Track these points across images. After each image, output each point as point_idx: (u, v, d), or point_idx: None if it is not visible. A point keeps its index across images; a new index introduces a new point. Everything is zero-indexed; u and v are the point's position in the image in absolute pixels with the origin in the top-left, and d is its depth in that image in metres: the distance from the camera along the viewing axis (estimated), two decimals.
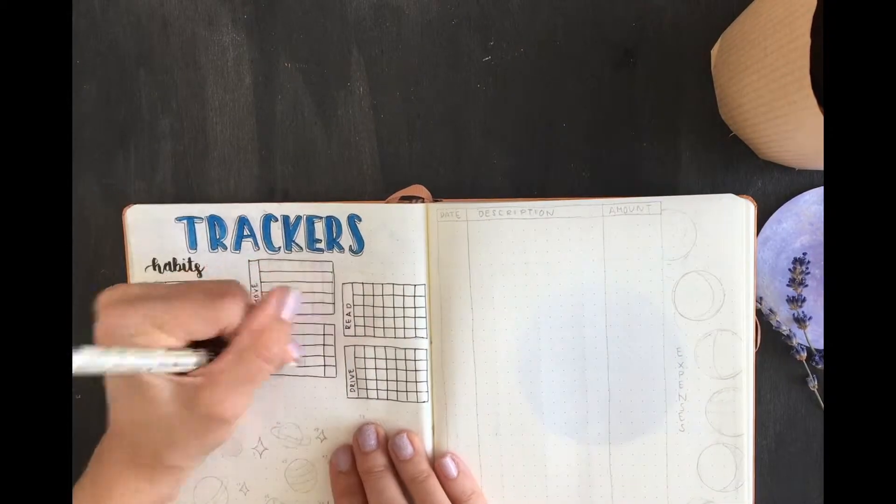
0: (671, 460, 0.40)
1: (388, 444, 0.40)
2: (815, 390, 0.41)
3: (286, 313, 0.37)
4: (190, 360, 0.34)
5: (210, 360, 0.35)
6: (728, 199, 0.38)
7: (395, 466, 0.40)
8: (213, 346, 0.36)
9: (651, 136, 0.41)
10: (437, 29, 0.42)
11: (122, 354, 0.32)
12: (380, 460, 0.40)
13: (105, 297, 0.34)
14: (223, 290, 0.35)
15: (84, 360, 0.30)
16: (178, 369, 0.34)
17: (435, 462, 0.40)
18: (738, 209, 0.38)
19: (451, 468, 0.40)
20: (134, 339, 0.33)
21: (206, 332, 0.35)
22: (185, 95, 0.43)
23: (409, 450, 0.40)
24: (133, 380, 0.33)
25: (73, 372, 0.29)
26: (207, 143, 0.43)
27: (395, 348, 0.40)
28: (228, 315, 0.35)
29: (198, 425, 0.34)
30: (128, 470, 0.35)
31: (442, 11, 0.42)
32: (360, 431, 0.41)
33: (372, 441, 0.40)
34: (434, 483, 0.39)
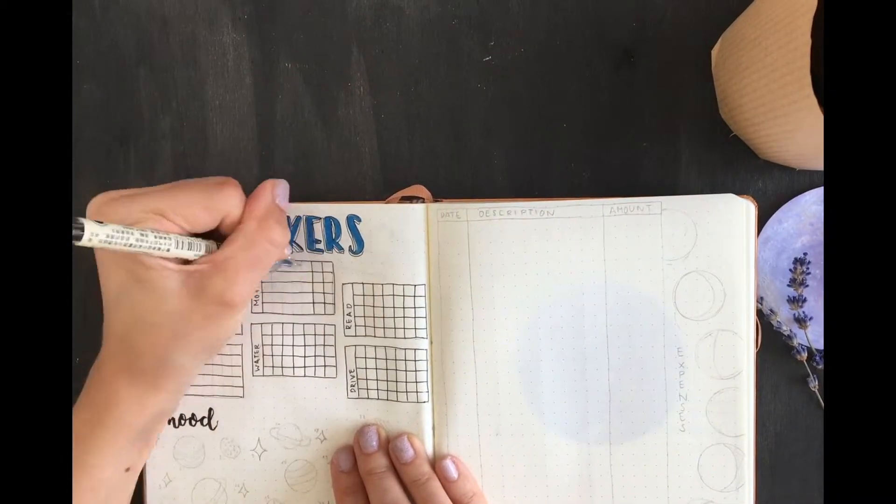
0: (672, 460, 0.40)
1: (389, 446, 0.40)
2: (816, 390, 0.41)
3: (281, 200, 0.38)
4: (202, 244, 0.35)
5: (212, 251, 0.35)
6: (729, 199, 0.38)
7: (396, 468, 0.40)
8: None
9: (651, 136, 0.41)
10: (437, 29, 0.42)
11: (144, 233, 0.32)
12: (381, 461, 0.40)
13: (99, 199, 0.34)
14: (222, 181, 0.36)
15: (109, 233, 0.30)
16: (191, 254, 0.34)
17: (435, 464, 0.40)
18: (739, 209, 0.38)
19: (452, 470, 0.40)
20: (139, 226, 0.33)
21: (207, 221, 0.35)
22: (185, 95, 0.43)
23: (410, 452, 0.40)
24: (138, 272, 0.33)
25: (96, 244, 0.30)
26: (207, 143, 0.43)
27: (396, 348, 0.40)
28: (228, 203, 0.35)
29: (205, 314, 0.34)
30: (129, 379, 0.35)
31: (442, 11, 0.42)
32: (361, 433, 0.41)
33: (373, 442, 0.40)
34: (436, 485, 0.39)
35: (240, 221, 0.36)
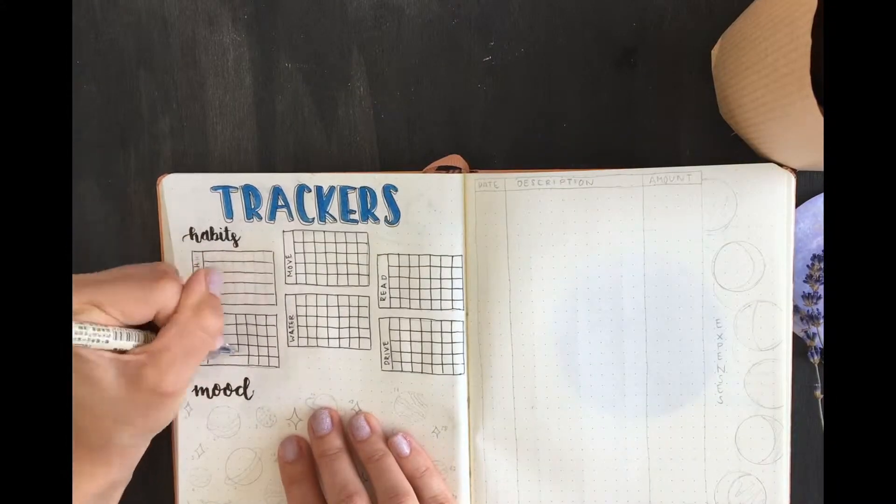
0: (709, 433, 0.40)
1: (346, 425, 0.41)
2: (819, 400, 0.41)
3: (214, 288, 0.39)
4: (139, 335, 0.35)
5: (149, 341, 0.36)
6: (769, 168, 0.38)
7: (353, 447, 0.41)
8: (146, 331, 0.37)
9: (651, 136, 0.41)
10: (437, 29, 0.42)
11: (83, 327, 0.33)
12: (335, 442, 0.40)
13: None
14: (159, 272, 0.36)
15: None
16: (129, 344, 0.35)
17: (388, 441, 0.40)
18: (780, 179, 0.38)
19: (404, 446, 0.40)
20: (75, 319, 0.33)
21: (143, 313, 0.35)
22: (185, 95, 0.43)
23: (365, 430, 0.40)
24: (77, 365, 0.34)
25: None
26: (207, 143, 0.43)
27: (431, 320, 0.40)
28: (165, 296, 0.36)
29: (143, 403, 0.35)
30: (78, 454, 0.35)
31: (442, 11, 0.42)
32: (314, 416, 0.41)
33: (326, 424, 0.40)
34: (390, 461, 0.39)
35: (175, 311, 0.37)
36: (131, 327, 0.36)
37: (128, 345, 0.35)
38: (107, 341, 0.34)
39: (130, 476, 0.38)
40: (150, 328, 0.37)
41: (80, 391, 0.34)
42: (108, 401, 0.34)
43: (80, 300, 0.34)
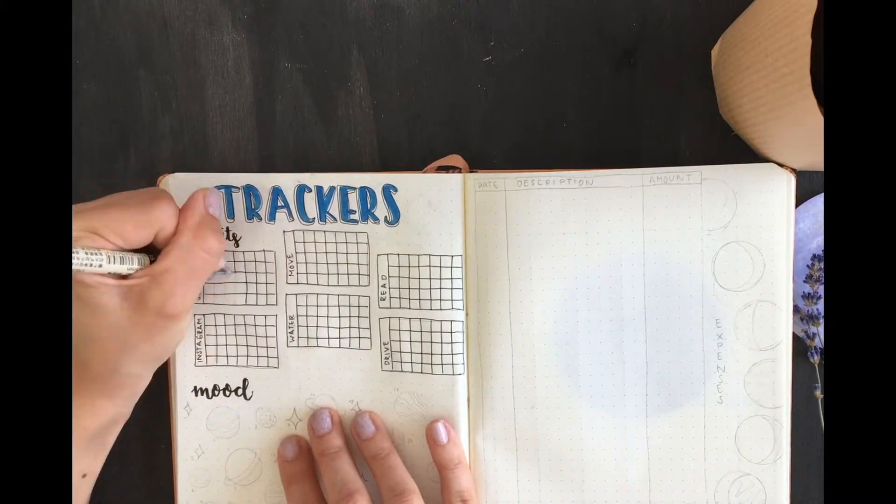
0: (709, 433, 0.40)
1: (351, 424, 0.41)
2: (820, 401, 0.41)
3: (213, 210, 0.38)
4: (134, 258, 0.35)
5: (148, 264, 0.36)
6: (769, 168, 0.38)
7: (357, 446, 0.41)
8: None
9: (651, 135, 0.41)
10: (437, 29, 0.42)
11: (75, 251, 0.32)
12: (335, 442, 0.40)
13: None
14: (154, 195, 0.36)
15: None
16: (124, 269, 0.34)
17: (429, 427, 0.40)
18: (780, 179, 0.38)
19: (443, 434, 0.40)
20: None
21: (141, 236, 0.35)
22: (185, 95, 0.43)
23: (371, 428, 0.40)
24: (77, 290, 0.33)
25: None
26: (207, 143, 0.43)
27: (431, 320, 0.40)
28: (163, 217, 0.35)
29: (147, 327, 0.35)
30: (81, 386, 0.35)
31: (442, 11, 0.42)
32: (314, 416, 0.41)
33: (326, 423, 0.40)
34: (395, 459, 0.40)
35: (175, 233, 0.36)
36: (131, 251, 0.35)
37: (122, 268, 0.34)
38: (100, 265, 0.33)
39: (130, 413, 0.38)
40: (150, 252, 0.36)
41: (83, 318, 0.34)
42: (112, 327, 0.34)
43: (77, 227, 0.33)
